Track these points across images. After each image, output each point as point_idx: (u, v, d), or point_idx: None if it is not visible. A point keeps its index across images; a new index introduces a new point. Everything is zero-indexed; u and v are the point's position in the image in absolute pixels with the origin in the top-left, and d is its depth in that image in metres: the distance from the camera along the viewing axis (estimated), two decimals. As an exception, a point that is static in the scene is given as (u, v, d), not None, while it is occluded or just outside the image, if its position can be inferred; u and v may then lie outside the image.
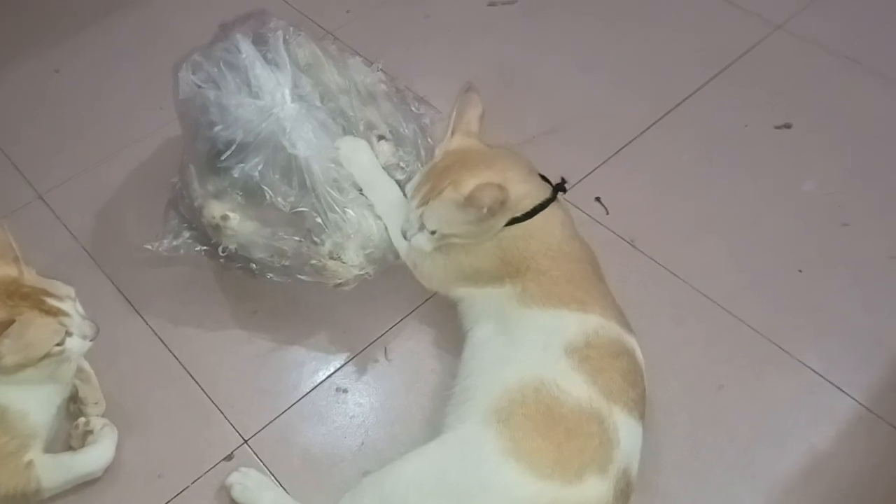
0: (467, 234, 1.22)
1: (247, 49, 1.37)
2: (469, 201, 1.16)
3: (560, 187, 1.28)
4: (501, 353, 1.17)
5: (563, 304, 1.18)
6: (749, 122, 1.72)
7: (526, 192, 1.23)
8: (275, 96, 1.33)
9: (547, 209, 1.24)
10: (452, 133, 1.28)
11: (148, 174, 1.68)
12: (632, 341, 1.19)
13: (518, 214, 1.22)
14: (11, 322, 1.09)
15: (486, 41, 1.93)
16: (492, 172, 1.20)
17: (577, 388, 1.09)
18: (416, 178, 1.27)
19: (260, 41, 1.41)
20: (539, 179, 1.27)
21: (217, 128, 1.31)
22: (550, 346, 1.13)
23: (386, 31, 1.97)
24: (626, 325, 1.20)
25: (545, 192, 1.25)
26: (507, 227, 1.22)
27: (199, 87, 1.35)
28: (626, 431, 1.09)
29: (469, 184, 1.18)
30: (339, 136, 1.37)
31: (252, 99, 1.33)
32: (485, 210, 1.16)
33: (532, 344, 1.15)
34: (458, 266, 1.26)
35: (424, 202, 1.22)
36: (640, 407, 1.13)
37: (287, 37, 1.42)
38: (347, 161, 1.33)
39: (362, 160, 1.34)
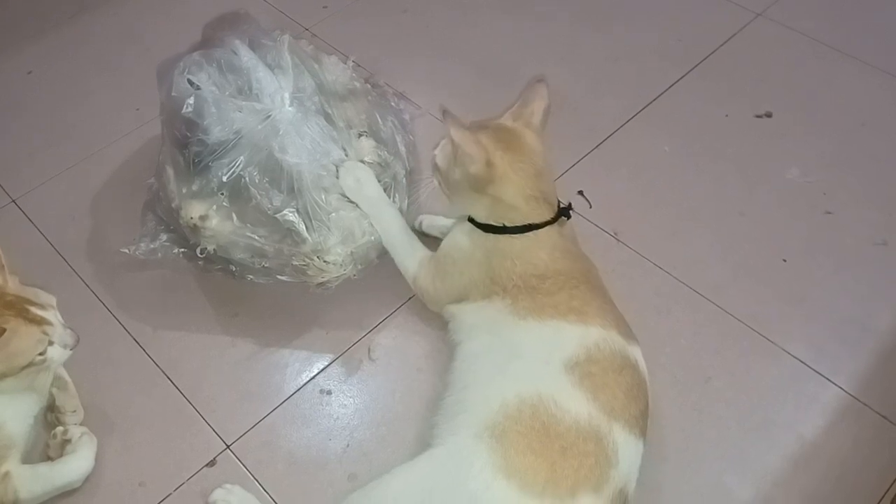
0: (459, 184, 1.24)
1: (246, 53, 1.36)
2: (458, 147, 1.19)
3: (564, 212, 1.25)
4: (499, 367, 1.14)
5: (559, 315, 1.15)
6: (730, 111, 1.71)
7: (517, 206, 1.21)
8: (274, 99, 1.32)
9: (540, 231, 1.21)
10: (514, 119, 1.27)
11: (124, 176, 1.65)
12: (635, 351, 1.16)
13: (507, 224, 1.21)
14: (3, 331, 1.07)
15: (465, 35, 1.91)
16: (514, 155, 1.20)
17: (576, 405, 1.06)
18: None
19: (254, 45, 1.40)
20: (544, 205, 1.22)
21: (216, 128, 1.29)
22: (551, 361, 1.11)
23: (364, 26, 1.95)
24: (629, 334, 1.18)
25: (543, 215, 1.22)
26: (496, 238, 1.22)
27: (198, 87, 1.33)
28: (626, 449, 1.07)
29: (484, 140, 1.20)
30: (335, 141, 1.35)
31: (251, 102, 1.32)
32: (472, 166, 1.19)
33: (531, 357, 1.13)
34: (452, 283, 1.27)
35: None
36: (642, 423, 1.11)
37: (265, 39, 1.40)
38: (352, 191, 1.34)
39: (369, 192, 1.36)
